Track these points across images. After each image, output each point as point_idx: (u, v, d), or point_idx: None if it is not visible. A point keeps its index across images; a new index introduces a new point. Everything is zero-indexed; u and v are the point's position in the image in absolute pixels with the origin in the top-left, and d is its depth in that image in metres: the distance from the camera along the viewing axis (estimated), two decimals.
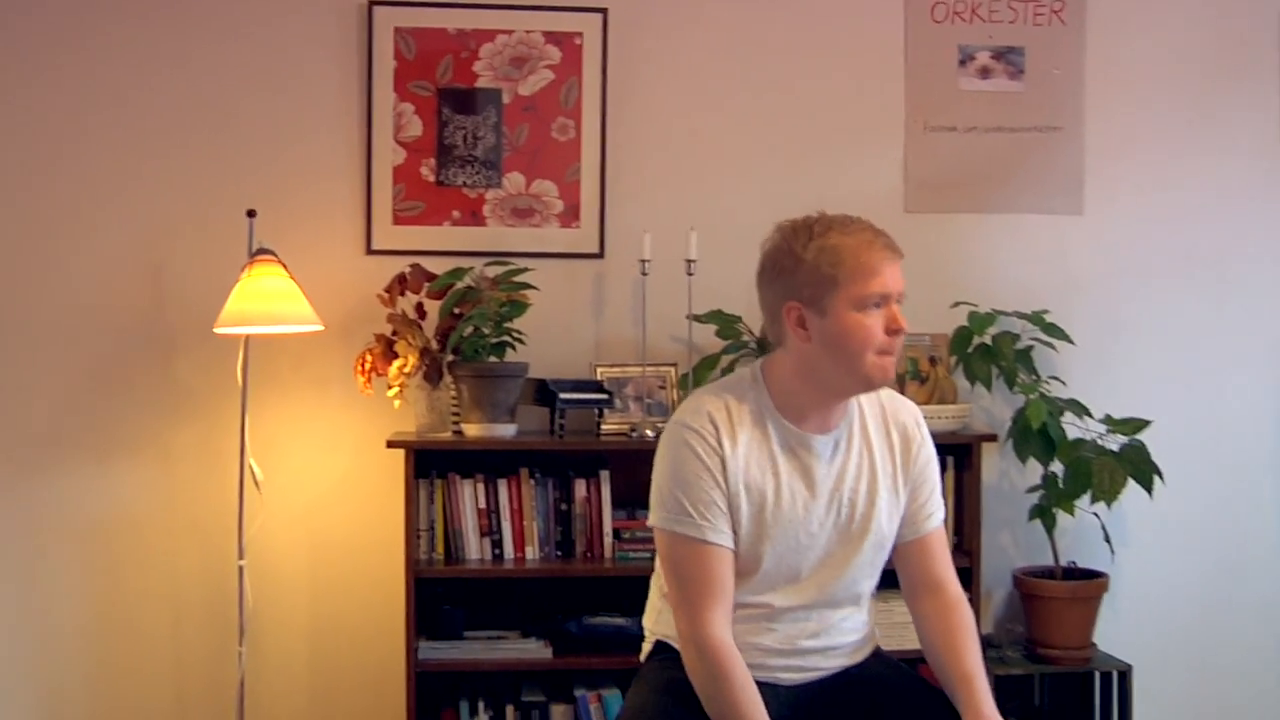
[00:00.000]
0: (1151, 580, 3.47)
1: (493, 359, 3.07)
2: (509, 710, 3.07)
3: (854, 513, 2.07)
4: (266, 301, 2.88)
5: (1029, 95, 3.42)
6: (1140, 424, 3.12)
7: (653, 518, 2.05)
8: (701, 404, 2.05)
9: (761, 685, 2.02)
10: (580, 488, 3.11)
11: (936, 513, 2.16)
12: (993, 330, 3.23)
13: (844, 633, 2.13)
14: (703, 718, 1.97)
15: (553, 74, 3.27)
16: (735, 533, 2.01)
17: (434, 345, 3.10)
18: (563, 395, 3.06)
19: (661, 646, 2.16)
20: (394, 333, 3.09)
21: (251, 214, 3.01)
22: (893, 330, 1.97)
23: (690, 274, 3.15)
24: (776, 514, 2.02)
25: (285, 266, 2.96)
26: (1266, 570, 3.45)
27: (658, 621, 2.19)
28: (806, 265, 1.97)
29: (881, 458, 2.10)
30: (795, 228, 2.01)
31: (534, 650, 3.03)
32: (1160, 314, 3.49)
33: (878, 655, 2.22)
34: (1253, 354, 3.51)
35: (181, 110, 3.21)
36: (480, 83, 3.26)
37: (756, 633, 2.07)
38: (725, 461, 2.00)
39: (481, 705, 3.07)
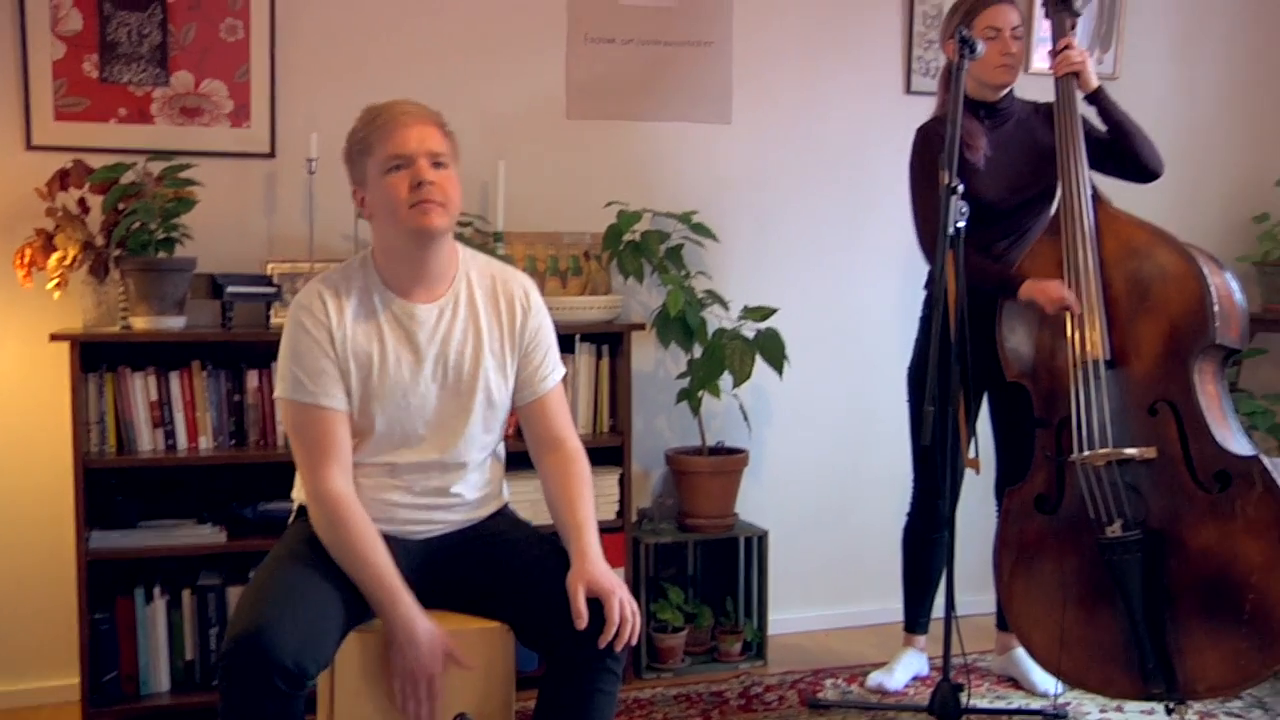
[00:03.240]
0: (789, 454, 3.88)
1: (161, 254, 3.13)
2: (185, 594, 3.19)
3: (460, 374, 2.29)
4: None
5: (683, 11, 3.68)
6: (768, 311, 3.47)
7: (276, 390, 2.25)
8: (314, 287, 2.27)
9: (392, 539, 2.24)
10: (252, 378, 3.23)
11: (552, 375, 2.40)
12: (642, 228, 3.50)
13: (467, 489, 2.35)
14: (329, 572, 2.15)
15: None
16: (349, 397, 2.21)
17: (99, 240, 3.13)
18: (230, 289, 3.16)
19: (304, 511, 2.33)
20: (56, 227, 3.10)
21: None
22: (416, 184, 2.18)
23: None
24: (383, 377, 2.23)
25: None
26: (887, 444, 3.86)
27: (300, 491, 2.36)
28: (347, 149, 2.26)
29: (488, 324, 2.32)
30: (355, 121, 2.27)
31: (209, 536, 3.15)
32: (800, 215, 3.85)
33: (503, 513, 2.46)
34: (880, 251, 3.92)
35: None
36: None
37: (383, 489, 2.28)
38: (333, 333, 2.21)
39: (158, 591, 3.17)
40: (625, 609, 2.14)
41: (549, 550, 2.31)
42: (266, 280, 3.24)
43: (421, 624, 2.14)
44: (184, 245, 3.18)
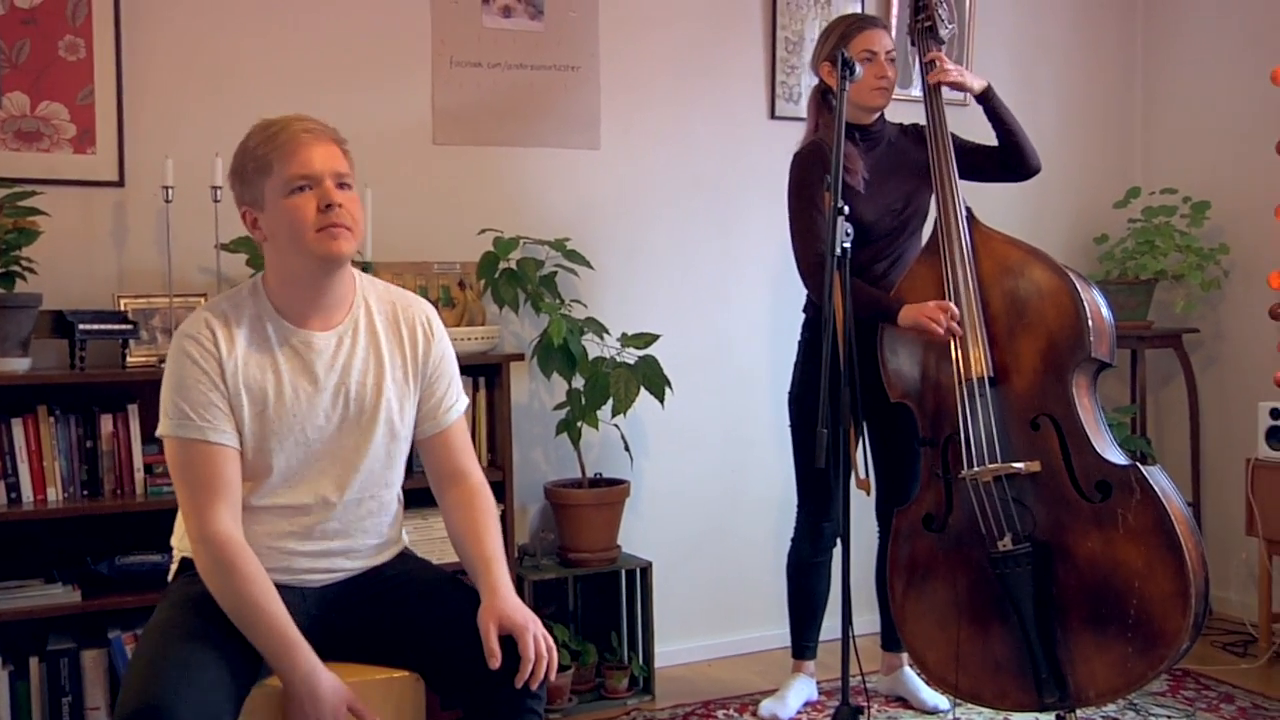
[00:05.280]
0: (668, 484, 3.82)
1: (0, 290, 2.88)
2: (33, 662, 2.92)
3: (362, 404, 2.16)
4: None
5: (548, 35, 3.61)
6: (650, 338, 3.42)
7: (160, 427, 2.08)
8: (200, 315, 2.11)
9: (289, 589, 2.09)
10: (106, 423, 2.99)
11: (456, 405, 2.28)
12: (517, 255, 3.41)
13: (367, 534, 2.21)
14: (222, 632, 1.99)
15: None
16: (240, 433, 2.07)
17: None
18: (81, 326, 2.93)
19: (188, 564, 2.15)
20: None
21: None
22: (326, 206, 2.05)
23: (216, 201, 3.09)
24: (280, 410, 2.09)
25: None
26: (763, 470, 3.88)
27: (183, 539, 2.18)
28: (239, 168, 2.10)
29: (390, 352, 2.20)
30: (245, 136, 2.11)
31: (60, 595, 2.89)
32: (671, 240, 3.82)
33: (404, 555, 2.32)
34: (751, 276, 3.93)
35: None
36: None
37: (279, 536, 2.12)
38: (223, 364, 2.06)
39: (0, 660, 2.90)
40: (541, 644, 2.05)
41: (457, 590, 2.20)
42: (121, 316, 3.02)
43: (324, 676, 1.99)
44: (26, 280, 2.94)
